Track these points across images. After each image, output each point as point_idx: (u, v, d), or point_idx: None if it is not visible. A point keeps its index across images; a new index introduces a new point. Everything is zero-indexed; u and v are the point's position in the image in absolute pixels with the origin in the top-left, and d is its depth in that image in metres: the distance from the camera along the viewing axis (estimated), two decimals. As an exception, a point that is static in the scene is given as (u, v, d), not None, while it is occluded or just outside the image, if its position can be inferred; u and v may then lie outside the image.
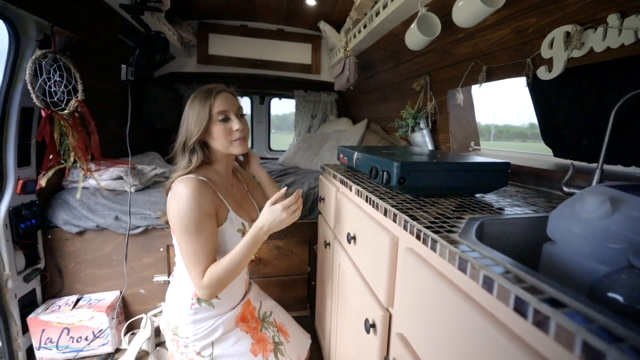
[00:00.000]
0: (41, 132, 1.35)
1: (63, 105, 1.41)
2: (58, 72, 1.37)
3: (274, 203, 0.92)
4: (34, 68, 1.28)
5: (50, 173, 1.43)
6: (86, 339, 1.54)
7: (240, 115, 0.99)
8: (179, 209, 0.86)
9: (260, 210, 0.95)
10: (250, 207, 1.12)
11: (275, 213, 0.90)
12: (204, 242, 0.88)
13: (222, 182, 1.00)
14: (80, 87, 1.45)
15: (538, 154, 1.40)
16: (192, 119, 0.94)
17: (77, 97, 1.44)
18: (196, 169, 0.95)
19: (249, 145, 3.21)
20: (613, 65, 0.86)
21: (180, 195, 0.86)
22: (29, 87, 1.28)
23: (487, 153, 1.61)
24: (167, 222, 1.02)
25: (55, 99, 1.38)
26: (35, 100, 1.30)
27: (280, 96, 3.37)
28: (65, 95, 1.41)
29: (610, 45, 0.80)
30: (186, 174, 0.92)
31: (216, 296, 0.94)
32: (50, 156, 1.41)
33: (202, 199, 0.87)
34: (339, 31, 2.33)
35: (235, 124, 0.95)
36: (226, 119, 0.95)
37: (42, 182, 1.42)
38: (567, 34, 0.90)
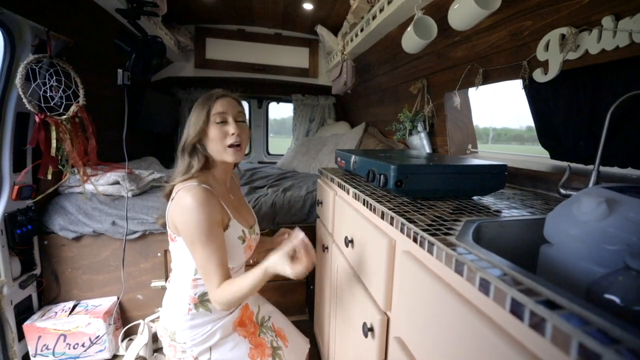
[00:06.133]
0: (35, 137, 1.35)
1: (61, 110, 1.41)
2: (55, 77, 1.37)
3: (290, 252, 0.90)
4: (25, 73, 1.28)
5: (49, 174, 1.42)
6: (83, 345, 1.52)
7: (239, 121, 0.97)
8: (188, 221, 0.85)
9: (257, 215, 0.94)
10: (247, 213, 1.11)
11: (282, 261, 0.89)
12: (216, 251, 0.87)
13: (220, 189, 0.99)
14: (81, 92, 1.45)
15: (535, 156, 1.40)
16: (191, 120, 0.95)
17: (77, 102, 1.44)
18: (196, 174, 0.94)
19: (247, 150, 3.21)
20: (608, 67, 0.86)
21: (188, 206, 0.85)
22: (20, 91, 1.27)
23: (484, 156, 1.61)
24: (163, 225, 1.01)
25: (52, 104, 1.38)
26: (27, 104, 1.30)
27: (278, 100, 3.38)
28: (64, 101, 1.41)
29: (605, 47, 0.81)
30: (187, 179, 0.91)
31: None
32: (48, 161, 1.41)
33: (209, 207, 0.86)
34: (336, 35, 2.34)
35: (231, 128, 0.93)
36: (223, 122, 0.94)
37: (49, 175, 1.42)
38: (563, 36, 0.90)
